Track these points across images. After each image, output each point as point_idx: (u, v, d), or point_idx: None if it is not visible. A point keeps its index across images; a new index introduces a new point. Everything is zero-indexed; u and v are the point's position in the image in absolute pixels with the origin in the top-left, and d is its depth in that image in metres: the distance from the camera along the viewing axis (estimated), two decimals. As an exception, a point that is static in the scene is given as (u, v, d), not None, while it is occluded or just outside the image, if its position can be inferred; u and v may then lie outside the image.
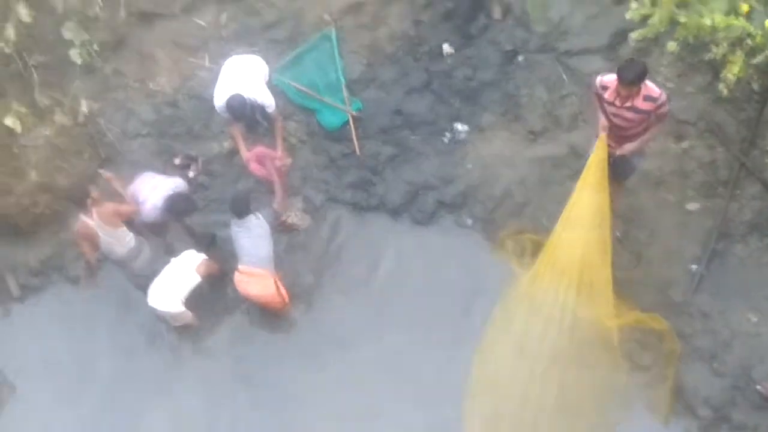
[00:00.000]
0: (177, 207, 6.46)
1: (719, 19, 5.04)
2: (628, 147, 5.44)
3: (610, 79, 5.30)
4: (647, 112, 5.25)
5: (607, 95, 5.33)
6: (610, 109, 5.36)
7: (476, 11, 7.31)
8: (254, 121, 6.60)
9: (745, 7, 4.96)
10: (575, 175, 6.51)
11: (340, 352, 6.48)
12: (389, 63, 7.35)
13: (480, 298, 6.38)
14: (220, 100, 6.45)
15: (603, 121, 5.43)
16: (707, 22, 5.09)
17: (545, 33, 7.01)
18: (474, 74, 7.21)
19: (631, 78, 5.09)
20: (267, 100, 6.53)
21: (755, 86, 5.89)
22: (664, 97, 5.22)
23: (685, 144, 6.32)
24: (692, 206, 6.06)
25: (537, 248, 6.14)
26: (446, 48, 7.35)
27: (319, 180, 7.15)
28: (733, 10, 5.04)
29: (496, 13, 7.32)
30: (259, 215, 6.36)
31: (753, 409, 5.43)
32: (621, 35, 6.51)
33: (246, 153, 6.71)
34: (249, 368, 6.57)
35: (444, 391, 6.00)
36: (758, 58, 4.98)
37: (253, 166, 6.73)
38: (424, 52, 7.37)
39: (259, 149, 6.74)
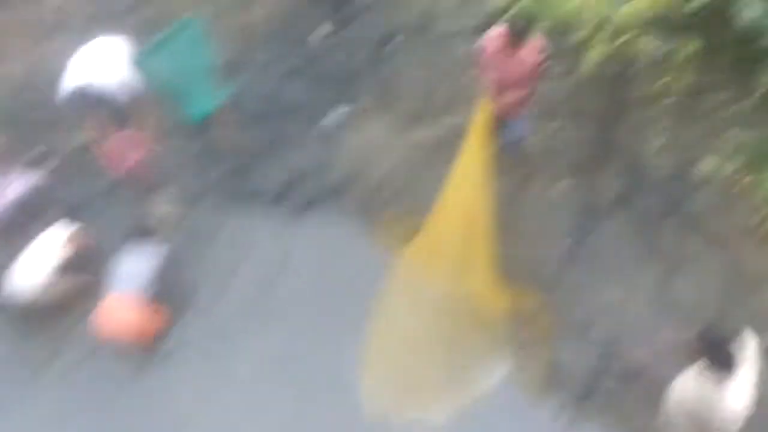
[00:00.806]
0: (30, 208, 5.98)
1: (580, 2, 5.17)
2: (512, 95, 5.47)
3: (496, 33, 5.34)
4: (532, 67, 5.33)
5: (494, 45, 5.36)
6: (498, 60, 5.39)
7: (350, -7, 7.22)
8: (113, 110, 6.21)
9: (605, -9, 5.11)
10: (453, 158, 6.60)
11: (222, 347, 6.26)
12: (262, 46, 7.15)
13: (362, 284, 6.27)
14: (68, 87, 5.99)
15: (485, 82, 5.44)
16: (569, 5, 5.21)
17: (418, 16, 7.00)
18: (350, 58, 7.12)
19: (518, 29, 5.13)
20: (129, 84, 6.12)
21: (617, 67, 6.09)
22: (542, 48, 5.29)
23: (554, 124, 6.48)
24: (562, 184, 6.22)
25: (416, 232, 6.18)
26: (322, 30, 7.21)
27: (190, 170, 6.85)
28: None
29: (370, -5, 7.25)
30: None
31: (622, 379, 5.65)
32: (495, 16, 6.57)
33: (106, 142, 6.31)
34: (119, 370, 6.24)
35: (330, 384, 5.91)
36: (619, 41, 5.13)
37: (114, 157, 6.34)
38: (300, 35, 7.19)
39: (120, 136, 6.36)
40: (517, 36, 5.14)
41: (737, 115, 5.59)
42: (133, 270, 5.94)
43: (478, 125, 5.40)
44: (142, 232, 6.08)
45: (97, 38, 6.37)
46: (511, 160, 6.14)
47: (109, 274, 6.02)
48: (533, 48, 5.23)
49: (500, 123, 5.65)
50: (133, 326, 5.91)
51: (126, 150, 6.32)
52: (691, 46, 5.07)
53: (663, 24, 5.17)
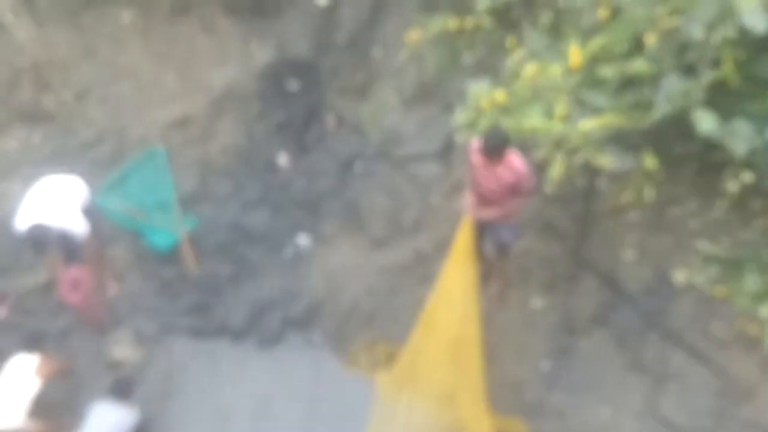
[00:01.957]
0: None
1: (538, 121, 5.24)
2: (492, 211, 5.41)
3: (475, 146, 5.35)
4: (509, 184, 5.29)
5: (473, 158, 5.34)
6: (478, 172, 5.37)
7: (310, 122, 7.29)
8: (66, 247, 6.01)
9: (561, 110, 5.20)
10: (423, 280, 6.45)
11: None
12: (223, 177, 7.10)
13: (337, 414, 6.01)
14: (22, 226, 5.82)
15: (467, 199, 5.39)
16: (527, 125, 5.27)
17: (380, 141, 7.07)
18: (312, 184, 7.10)
19: (491, 147, 5.12)
20: (76, 227, 5.97)
21: (579, 184, 6.14)
22: (525, 171, 5.26)
23: (524, 242, 6.44)
24: (536, 303, 6.10)
25: (391, 357, 5.93)
26: (282, 159, 7.21)
27: (150, 307, 6.57)
28: (549, 114, 5.26)
29: (331, 123, 7.33)
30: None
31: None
32: (452, 140, 6.66)
33: (62, 273, 6.06)
34: None
35: None
36: (577, 158, 5.18)
37: (66, 292, 6.06)
38: (260, 165, 7.20)
39: (74, 271, 6.10)
40: (491, 154, 5.16)
41: (705, 226, 5.62)
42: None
43: (460, 241, 5.29)
44: (120, 390, 5.84)
45: (50, 176, 6.26)
46: (495, 266, 6.06)
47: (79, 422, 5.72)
48: (511, 163, 5.24)
49: (488, 226, 5.58)
50: None
51: (79, 283, 6.07)
52: (649, 160, 5.15)
53: (620, 140, 5.26)
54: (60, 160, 6.81)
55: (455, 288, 5.31)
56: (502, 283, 6.16)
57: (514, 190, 5.36)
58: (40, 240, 5.74)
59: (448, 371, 5.49)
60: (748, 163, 4.94)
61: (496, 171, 5.27)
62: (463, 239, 5.29)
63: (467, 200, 5.42)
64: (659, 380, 5.55)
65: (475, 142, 5.38)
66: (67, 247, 5.92)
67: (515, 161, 5.29)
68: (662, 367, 5.56)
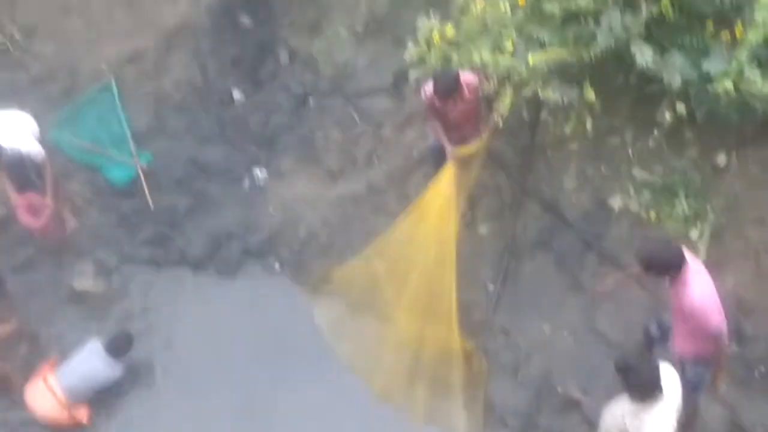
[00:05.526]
0: None
1: (486, 56, 5.45)
2: (473, 146, 5.64)
3: (429, 88, 5.49)
4: (473, 101, 5.51)
5: (437, 102, 5.50)
6: (439, 110, 5.55)
7: (263, 56, 7.33)
8: (20, 172, 6.08)
9: (508, 45, 5.41)
10: (377, 210, 6.71)
11: (153, 421, 6.03)
12: (178, 112, 7.14)
13: (296, 339, 6.30)
14: None
15: (447, 147, 5.59)
16: (476, 59, 5.48)
17: (333, 76, 7.17)
18: (267, 119, 7.20)
19: (445, 90, 5.32)
20: (33, 149, 6.04)
21: (525, 116, 6.40)
22: (476, 80, 5.46)
23: (472, 172, 6.71)
24: (483, 229, 6.42)
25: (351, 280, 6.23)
26: (236, 94, 7.28)
27: (110, 240, 6.70)
28: (498, 48, 5.47)
29: (283, 57, 7.39)
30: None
31: (556, 413, 5.78)
32: (403, 74, 6.80)
33: (15, 198, 6.16)
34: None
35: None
36: (525, 91, 5.43)
37: (23, 214, 6.16)
38: (214, 100, 7.24)
39: (30, 195, 6.19)
40: (447, 97, 5.36)
41: (640, 155, 5.96)
42: (85, 374, 5.93)
43: (442, 186, 5.59)
44: (115, 347, 6.02)
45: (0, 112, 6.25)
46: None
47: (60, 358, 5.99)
48: (468, 84, 5.44)
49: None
50: (53, 419, 5.89)
51: (37, 207, 6.20)
52: (589, 93, 5.42)
53: (563, 74, 5.51)
54: (11, 96, 6.74)
55: (434, 230, 5.59)
56: None
57: (477, 106, 5.55)
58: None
59: (421, 296, 5.81)
60: (682, 95, 5.24)
61: (457, 99, 5.45)
62: (444, 185, 5.53)
63: (448, 149, 5.62)
64: (596, 299, 5.96)
65: (428, 87, 5.53)
66: (21, 173, 5.99)
67: (468, 77, 5.45)
68: (599, 286, 5.96)
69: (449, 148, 5.71)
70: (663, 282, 4.54)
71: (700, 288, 4.38)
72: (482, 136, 5.79)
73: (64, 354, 6.18)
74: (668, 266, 4.36)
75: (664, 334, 5.07)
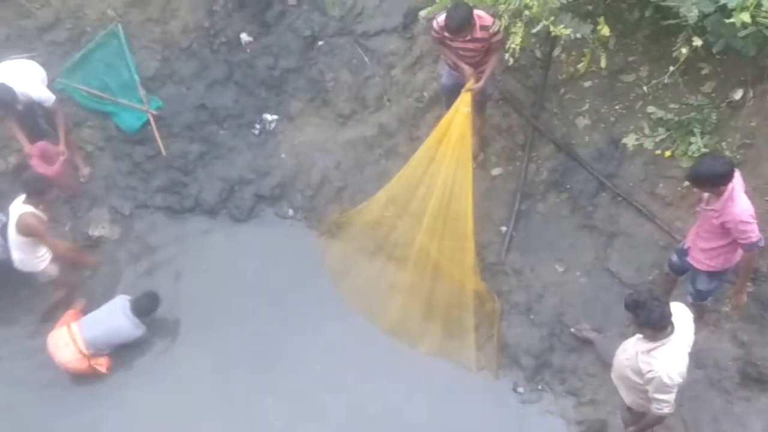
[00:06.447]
0: None
1: (498, -7, 5.32)
2: (480, 84, 5.50)
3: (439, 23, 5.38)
4: (485, 40, 5.39)
5: (447, 34, 5.39)
6: (454, 44, 5.45)
7: (270, -1, 7.20)
8: (31, 120, 6.07)
9: (521, -20, 5.27)
10: (388, 153, 6.69)
11: (172, 368, 6.17)
12: (186, 57, 7.07)
13: (311, 284, 6.36)
14: None
15: (466, 70, 5.45)
16: (488, -5, 5.35)
17: (341, 17, 7.04)
18: (276, 62, 7.11)
19: (457, 25, 5.20)
20: (43, 95, 6.07)
21: (538, 54, 6.29)
22: (496, 26, 5.34)
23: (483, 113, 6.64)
24: (496, 171, 6.39)
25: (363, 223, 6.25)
26: (244, 37, 7.18)
27: (124, 187, 6.75)
28: (510, -17, 5.33)
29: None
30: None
31: (569, 352, 5.86)
32: (413, 14, 6.69)
33: (28, 146, 6.19)
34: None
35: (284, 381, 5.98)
36: (537, 28, 5.30)
37: (36, 162, 6.20)
38: (222, 43, 7.16)
39: (42, 144, 6.23)
40: (458, 32, 5.24)
41: (655, 91, 5.86)
42: (109, 329, 6.04)
43: (461, 117, 5.45)
44: (140, 306, 6.12)
45: (8, 60, 6.22)
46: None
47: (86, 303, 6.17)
48: (483, 25, 5.32)
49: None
50: (72, 367, 6.05)
51: (49, 154, 6.25)
52: (603, 28, 5.29)
53: (576, 9, 5.37)
54: (17, 44, 6.71)
55: (450, 162, 5.50)
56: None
57: (489, 45, 5.43)
58: (3, 99, 5.80)
59: (437, 234, 5.79)
60: (699, 29, 5.11)
61: (472, 34, 5.33)
62: (463, 115, 5.42)
63: (466, 71, 5.45)
64: (609, 238, 5.95)
65: (440, 19, 5.40)
66: (32, 121, 6.00)
67: (485, 17, 5.34)
68: (612, 226, 5.95)
69: (466, 69, 5.50)
70: (710, 195, 4.65)
71: (746, 201, 4.60)
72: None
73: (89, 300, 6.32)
74: (719, 178, 4.51)
75: (683, 262, 5.16)
